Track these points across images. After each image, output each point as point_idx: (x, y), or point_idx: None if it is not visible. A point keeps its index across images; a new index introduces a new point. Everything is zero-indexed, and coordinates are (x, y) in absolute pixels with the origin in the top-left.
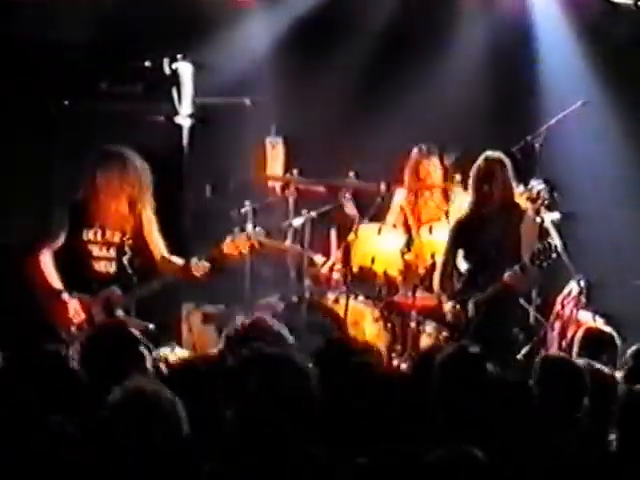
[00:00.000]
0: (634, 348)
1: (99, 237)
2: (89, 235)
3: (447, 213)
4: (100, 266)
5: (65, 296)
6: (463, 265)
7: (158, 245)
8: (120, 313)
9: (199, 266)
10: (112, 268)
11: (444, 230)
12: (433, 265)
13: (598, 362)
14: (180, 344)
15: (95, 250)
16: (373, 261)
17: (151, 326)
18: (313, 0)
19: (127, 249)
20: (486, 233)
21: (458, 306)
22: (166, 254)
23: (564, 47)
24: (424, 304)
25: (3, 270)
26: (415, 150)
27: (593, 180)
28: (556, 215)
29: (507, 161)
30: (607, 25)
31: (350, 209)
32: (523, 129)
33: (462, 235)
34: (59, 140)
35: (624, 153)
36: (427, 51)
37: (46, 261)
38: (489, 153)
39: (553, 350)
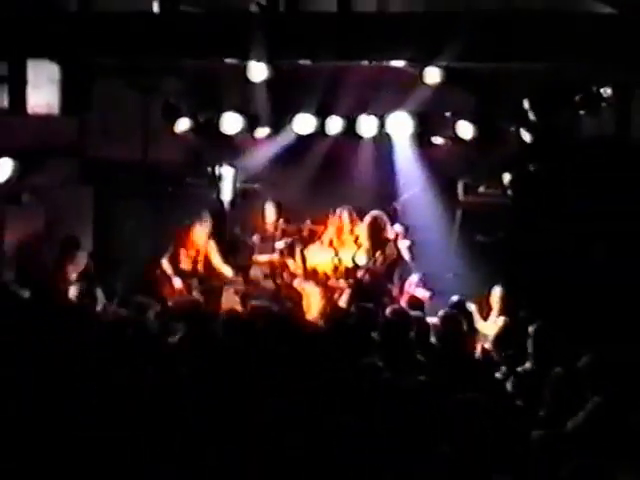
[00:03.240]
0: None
1: (187, 252)
2: (183, 251)
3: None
4: (182, 266)
5: (174, 279)
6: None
7: (217, 261)
8: (195, 293)
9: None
10: (188, 267)
11: (352, 250)
12: (345, 268)
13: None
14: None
15: (182, 258)
16: (317, 265)
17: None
18: (292, 139)
19: (198, 260)
20: (373, 252)
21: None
22: (220, 265)
23: (411, 162)
24: (343, 286)
25: (141, 270)
26: (339, 210)
27: (428, 224)
28: (407, 242)
29: (382, 215)
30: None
31: (307, 238)
32: (392, 200)
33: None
34: (170, 208)
35: (439, 211)
36: (346, 165)
37: (164, 263)
38: (372, 212)
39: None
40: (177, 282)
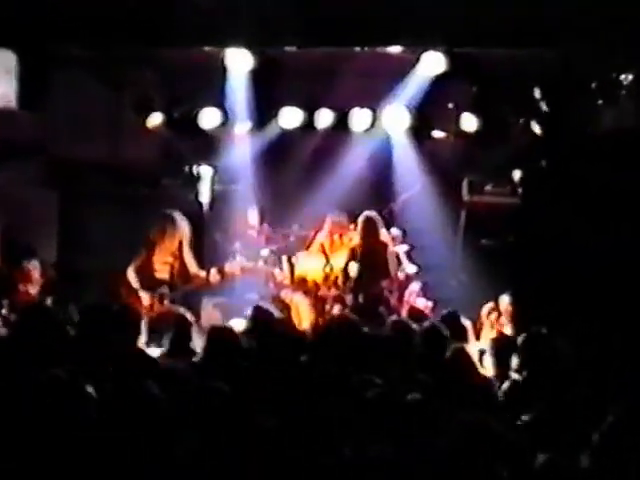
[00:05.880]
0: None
1: (160, 259)
2: (155, 258)
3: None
4: (159, 275)
5: (140, 292)
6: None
7: (192, 265)
8: (167, 302)
9: (215, 277)
10: (166, 276)
11: (344, 257)
12: (337, 277)
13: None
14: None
15: (157, 266)
16: (307, 273)
17: (182, 309)
18: (274, 137)
19: (175, 266)
20: (366, 256)
21: (353, 297)
22: (196, 270)
23: (409, 159)
24: (334, 295)
25: (107, 280)
26: (329, 215)
27: (429, 227)
28: (405, 247)
29: (376, 217)
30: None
31: (295, 244)
32: (388, 201)
33: (354, 256)
34: (144, 213)
35: (441, 213)
36: (337, 163)
37: (130, 273)
38: (366, 213)
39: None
40: (145, 297)
